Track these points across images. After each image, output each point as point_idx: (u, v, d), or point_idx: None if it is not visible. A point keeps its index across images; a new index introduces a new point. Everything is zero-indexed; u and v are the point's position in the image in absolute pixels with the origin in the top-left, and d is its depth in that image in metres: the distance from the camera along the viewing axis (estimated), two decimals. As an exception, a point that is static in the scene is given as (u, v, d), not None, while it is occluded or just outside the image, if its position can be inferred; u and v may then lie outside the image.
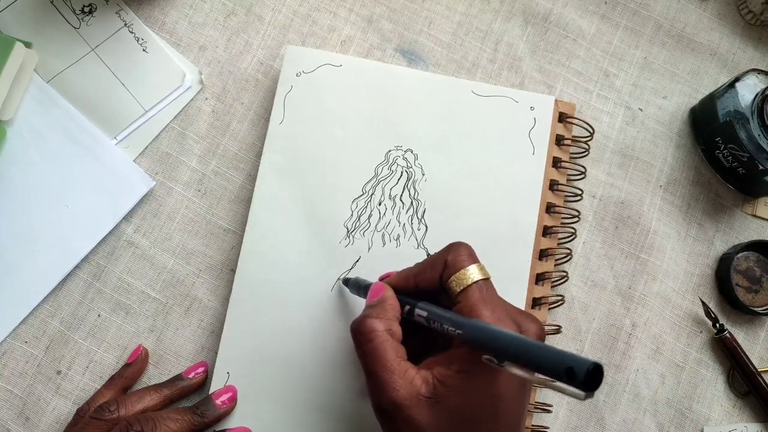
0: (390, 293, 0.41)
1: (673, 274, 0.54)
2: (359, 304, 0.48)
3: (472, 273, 0.38)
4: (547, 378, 0.31)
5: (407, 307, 0.40)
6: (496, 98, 0.52)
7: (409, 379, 0.37)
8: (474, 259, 0.39)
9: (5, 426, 0.49)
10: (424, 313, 0.39)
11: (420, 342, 0.42)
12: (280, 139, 0.51)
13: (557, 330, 0.51)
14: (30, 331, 0.50)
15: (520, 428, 0.38)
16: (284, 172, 0.50)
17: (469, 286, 0.38)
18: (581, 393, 0.30)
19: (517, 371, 0.33)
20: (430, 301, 0.40)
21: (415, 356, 0.39)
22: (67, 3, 0.53)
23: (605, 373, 0.51)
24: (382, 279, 0.44)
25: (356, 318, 0.40)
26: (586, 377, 0.29)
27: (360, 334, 0.39)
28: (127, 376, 0.48)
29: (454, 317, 0.37)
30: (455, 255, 0.39)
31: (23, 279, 0.50)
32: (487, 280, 0.39)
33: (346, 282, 0.48)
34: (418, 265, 0.42)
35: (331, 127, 0.51)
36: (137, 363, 0.49)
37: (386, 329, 0.39)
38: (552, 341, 0.51)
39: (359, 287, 0.46)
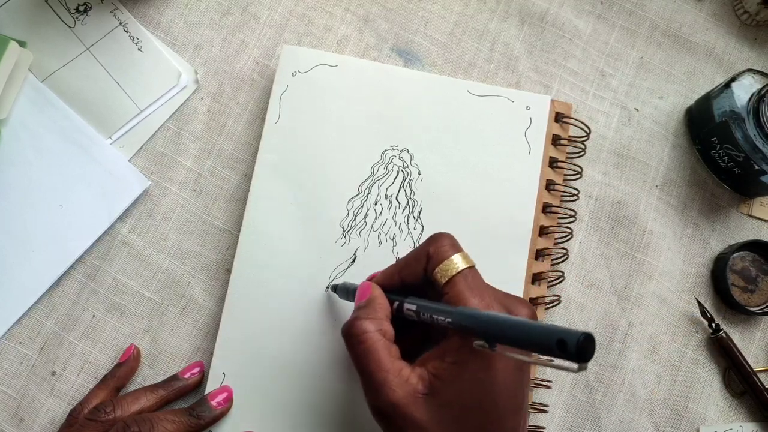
0: (378, 292, 0.40)
1: (669, 274, 0.54)
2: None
3: (457, 262, 0.38)
4: (540, 356, 0.30)
5: (396, 304, 0.40)
6: (493, 98, 0.52)
7: (404, 377, 0.36)
8: (457, 248, 0.38)
9: (-1, 427, 0.48)
10: (413, 307, 0.38)
11: (417, 338, 0.41)
12: (276, 138, 0.51)
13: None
14: (24, 331, 0.50)
15: (522, 411, 0.37)
16: (280, 171, 0.50)
17: (455, 275, 0.37)
18: (574, 365, 0.29)
19: (511, 353, 0.33)
20: (421, 296, 0.39)
21: (413, 353, 0.39)
22: (62, 2, 0.53)
23: (604, 373, 0.52)
24: (369, 279, 0.43)
25: (347, 321, 0.39)
26: (577, 348, 0.28)
27: (351, 336, 0.38)
28: (119, 376, 0.48)
29: (442, 306, 0.36)
30: (437, 246, 0.38)
31: (17, 279, 0.50)
32: (472, 268, 0.38)
33: (335, 288, 0.47)
34: (401, 260, 0.41)
35: (327, 126, 0.51)
36: (129, 362, 0.49)
37: (377, 329, 0.38)
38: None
39: (348, 292, 0.45)
